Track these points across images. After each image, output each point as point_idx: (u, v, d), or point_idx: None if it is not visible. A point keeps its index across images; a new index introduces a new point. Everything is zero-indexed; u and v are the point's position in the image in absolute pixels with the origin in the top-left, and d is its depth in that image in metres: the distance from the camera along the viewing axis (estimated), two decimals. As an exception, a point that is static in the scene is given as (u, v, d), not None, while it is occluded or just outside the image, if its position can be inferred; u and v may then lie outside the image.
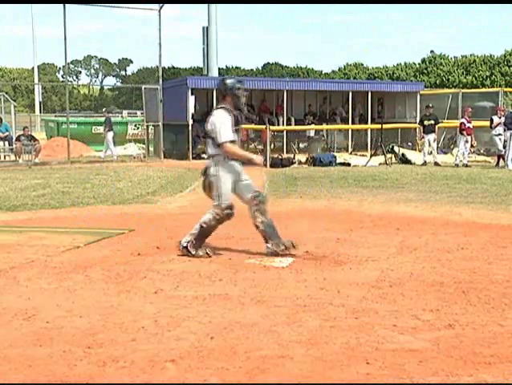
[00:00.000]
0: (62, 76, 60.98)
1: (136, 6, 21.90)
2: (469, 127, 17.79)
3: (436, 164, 18.02)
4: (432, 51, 53.04)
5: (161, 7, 20.68)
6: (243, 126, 20.17)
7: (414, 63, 53.28)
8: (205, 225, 5.97)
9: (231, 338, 3.75)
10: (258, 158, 6.22)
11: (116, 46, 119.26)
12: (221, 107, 6.06)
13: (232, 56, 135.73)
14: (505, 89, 25.41)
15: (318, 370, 3.29)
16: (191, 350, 3.56)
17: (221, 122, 5.90)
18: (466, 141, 17.74)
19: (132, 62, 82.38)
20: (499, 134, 17.53)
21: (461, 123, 18.01)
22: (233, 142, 5.94)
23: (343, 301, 4.53)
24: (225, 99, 6.03)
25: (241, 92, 6.04)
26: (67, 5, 19.43)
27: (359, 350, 3.56)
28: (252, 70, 63.92)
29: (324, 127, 22.91)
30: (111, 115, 23.70)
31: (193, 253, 5.94)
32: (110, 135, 21.29)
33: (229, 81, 6.09)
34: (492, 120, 17.70)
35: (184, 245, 5.97)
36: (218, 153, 5.95)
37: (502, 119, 17.59)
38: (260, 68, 64.38)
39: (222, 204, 5.92)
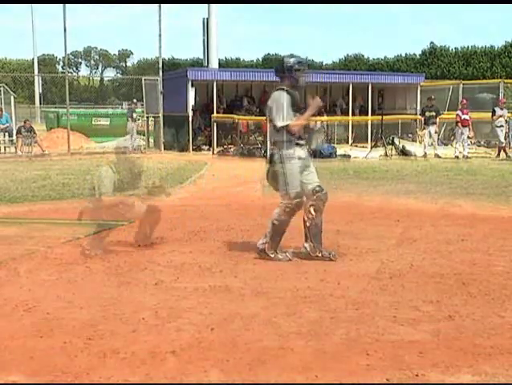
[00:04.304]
0: (62, 68, 60.75)
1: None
2: (464, 119, 17.78)
3: (436, 155, 17.97)
4: (431, 43, 52.83)
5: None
6: (243, 117, 20.22)
7: (415, 55, 53.07)
8: (276, 222, 5.57)
9: (231, 330, 3.76)
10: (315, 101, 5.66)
11: (116, 37, 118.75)
12: (279, 89, 5.61)
13: (232, 48, 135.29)
14: (506, 81, 25.23)
15: (318, 362, 3.29)
16: (191, 342, 3.56)
17: (277, 105, 5.53)
18: (462, 133, 17.76)
19: (132, 53, 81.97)
20: (501, 126, 17.51)
21: (457, 115, 18.06)
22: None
23: (344, 293, 4.53)
24: (283, 79, 5.63)
25: (301, 73, 5.62)
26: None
27: (359, 342, 3.56)
28: (252, 61, 63.71)
29: (324, 118, 22.85)
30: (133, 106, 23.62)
31: (272, 256, 5.56)
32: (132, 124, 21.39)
33: (288, 60, 5.62)
34: (494, 112, 17.67)
35: (261, 247, 5.61)
36: (279, 139, 5.56)
37: (505, 110, 17.55)
38: (260, 60, 64.16)
39: (291, 193, 5.50)
